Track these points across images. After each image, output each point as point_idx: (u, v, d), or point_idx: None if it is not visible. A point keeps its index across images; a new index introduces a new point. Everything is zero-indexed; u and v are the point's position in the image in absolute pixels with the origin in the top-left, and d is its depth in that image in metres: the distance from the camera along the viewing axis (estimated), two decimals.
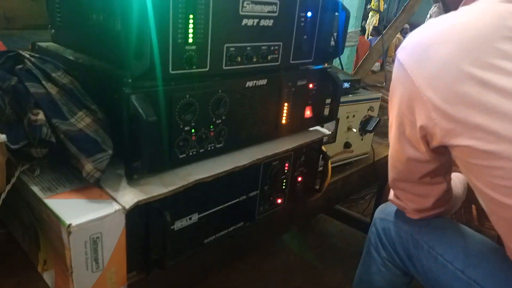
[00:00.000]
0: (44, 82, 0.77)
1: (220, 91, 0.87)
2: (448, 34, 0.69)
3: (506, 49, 0.63)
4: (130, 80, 0.72)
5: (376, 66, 7.32)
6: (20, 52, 0.81)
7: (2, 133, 0.71)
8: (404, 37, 9.30)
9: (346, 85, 1.42)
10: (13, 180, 0.74)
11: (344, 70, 1.99)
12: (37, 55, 0.83)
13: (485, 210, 0.75)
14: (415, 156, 0.81)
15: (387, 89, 1.90)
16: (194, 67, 0.80)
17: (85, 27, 0.86)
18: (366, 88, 1.74)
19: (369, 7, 9.62)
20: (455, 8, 0.80)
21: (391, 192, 1.01)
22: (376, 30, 8.75)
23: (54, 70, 0.80)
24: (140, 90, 0.73)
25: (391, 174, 0.94)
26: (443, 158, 0.81)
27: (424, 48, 0.71)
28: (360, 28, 2.00)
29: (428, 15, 8.74)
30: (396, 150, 0.86)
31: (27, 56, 0.81)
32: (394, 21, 2.48)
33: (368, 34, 9.37)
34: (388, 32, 2.44)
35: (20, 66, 0.80)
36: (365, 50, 7.45)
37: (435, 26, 0.73)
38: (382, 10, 9.89)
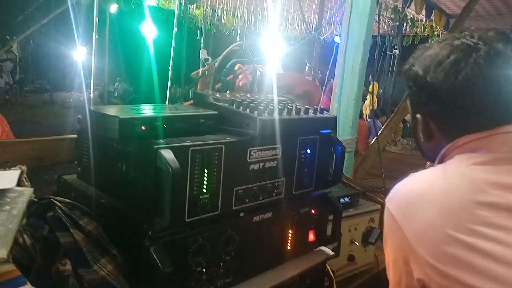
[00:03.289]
0: (72, 230, 0.86)
1: (229, 230, 0.95)
2: (430, 196, 0.77)
3: (485, 215, 0.71)
4: (150, 233, 0.81)
5: None
6: (52, 199, 0.91)
7: (31, 282, 0.78)
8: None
9: (346, 199, 1.50)
10: None
11: (344, 174, 2.10)
12: (66, 201, 0.93)
13: None
14: None
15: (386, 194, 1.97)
16: (207, 212, 0.89)
17: (110, 172, 0.97)
18: (366, 192, 1.83)
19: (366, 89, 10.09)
20: (433, 159, 0.91)
21: None
22: (373, 113, 9.11)
23: (81, 217, 0.89)
24: (159, 241, 0.81)
25: None
26: None
27: (410, 204, 0.79)
28: (356, 136, 2.15)
29: None
30: None
31: (58, 204, 0.90)
32: (389, 122, 2.65)
33: (366, 117, 9.72)
34: (383, 132, 2.59)
35: (51, 213, 0.89)
36: (364, 132, 7.71)
37: (418, 183, 0.81)
38: (376, 94, 10.35)
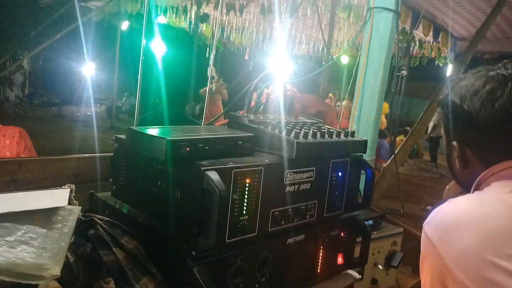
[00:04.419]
0: (114, 248, 0.87)
1: (265, 251, 0.96)
2: (469, 220, 0.78)
3: None
4: (193, 253, 0.82)
5: None
6: (94, 217, 0.93)
7: None
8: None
9: (370, 222, 1.50)
10: None
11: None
12: (106, 219, 0.95)
13: None
14: None
15: (405, 217, 1.97)
16: (246, 234, 0.90)
17: (148, 192, 0.98)
18: (386, 215, 1.82)
19: None
20: (468, 187, 0.92)
21: None
22: (381, 133, 9.13)
23: (122, 235, 0.90)
24: (201, 261, 0.82)
25: None
26: None
27: (448, 228, 0.80)
28: (379, 158, 2.15)
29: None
30: None
31: (99, 222, 0.92)
32: (404, 144, 2.67)
33: None
34: (399, 154, 2.60)
35: (92, 231, 0.91)
36: None
37: (456, 209, 0.83)
38: (386, 113, 10.42)
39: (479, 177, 0.89)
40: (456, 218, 0.82)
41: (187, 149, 0.85)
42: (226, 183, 0.82)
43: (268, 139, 1.02)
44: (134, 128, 0.93)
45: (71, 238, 0.78)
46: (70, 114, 12.84)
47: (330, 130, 1.14)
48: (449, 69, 8.84)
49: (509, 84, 0.82)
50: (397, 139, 8.59)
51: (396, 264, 1.52)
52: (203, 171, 0.80)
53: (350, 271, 1.25)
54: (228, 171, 0.84)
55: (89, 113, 12.84)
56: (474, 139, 0.87)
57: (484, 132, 0.85)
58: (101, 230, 0.90)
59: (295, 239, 1.04)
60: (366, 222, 1.49)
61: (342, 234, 1.18)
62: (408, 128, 9.47)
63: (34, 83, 15.42)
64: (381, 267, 1.49)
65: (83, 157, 1.18)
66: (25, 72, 14.53)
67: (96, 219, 0.93)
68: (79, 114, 12.98)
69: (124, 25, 9.99)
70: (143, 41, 1.06)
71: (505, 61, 0.89)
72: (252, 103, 1.38)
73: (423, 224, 0.87)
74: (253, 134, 1.02)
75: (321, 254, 1.12)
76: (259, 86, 1.28)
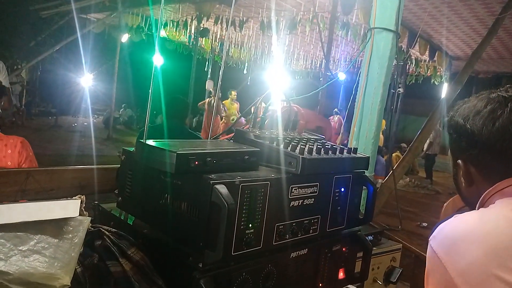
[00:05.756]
0: (120, 260, 0.88)
1: (269, 265, 0.97)
2: (474, 235, 0.81)
3: None
4: (200, 265, 0.83)
5: None
6: (101, 228, 0.94)
7: None
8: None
9: (370, 238, 1.52)
10: None
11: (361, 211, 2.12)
12: (113, 230, 0.96)
13: None
14: None
15: (402, 232, 1.98)
16: (251, 247, 0.91)
17: (155, 204, 1.00)
18: (385, 231, 1.84)
19: None
20: (473, 204, 0.95)
21: None
22: (378, 149, 9.20)
23: (129, 247, 0.91)
24: (208, 274, 0.83)
25: None
26: None
27: (454, 243, 0.83)
28: (374, 173, 2.18)
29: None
30: None
31: (106, 233, 0.93)
32: (401, 161, 2.70)
33: None
34: (397, 170, 2.64)
35: (99, 242, 0.92)
36: None
37: (462, 224, 0.85)
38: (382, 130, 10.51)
39: (483, 194, 0.92)
40: (462, 233, 0.84)
41: (196, 162, 0.87)
42: (233, 197, 0.84)
43: (273, 154, 1.04)
44: (144, 141, 0.95)
45: (81, 248, 0.79)
46: (67, 124, 12.84)
47: (334, 146, 1.17)
48: (445, 88, 8.98)
49: (509, 105, 0.87)
50: (393, 155, 8.65)
51: (395, 280, 1.53)
52: (212, 185, 0.82)
53: (350, 286, 1.26)
54: (236, 185, 0.86)
55: (85, 124, 12.86)
56: (477, 156, 0.91)
57: (486, 149, 0.89)
58: (108, 241, 0.91)
59: (298, 253, 1.05)
60: (367, 238, 1.51)
61: (343, 249, 1.19)
62: (404, 145, 9.56)
63: (32, 93, 15.45)
64: (380, 283, 1.50)
65: (89, 168, 1.19)
66: (23, 82, 14.55)
67: (103, 230, 0.94)
68: (76, 124, 12.99)
69: (124, 38, 10.10)
70: (155, 58, 1.09)
71: (507, 86, 0.94)
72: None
73: (429, 238, 0.89)
74: (258, 149, 1.04)
75: (323, 268, 1.13)
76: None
